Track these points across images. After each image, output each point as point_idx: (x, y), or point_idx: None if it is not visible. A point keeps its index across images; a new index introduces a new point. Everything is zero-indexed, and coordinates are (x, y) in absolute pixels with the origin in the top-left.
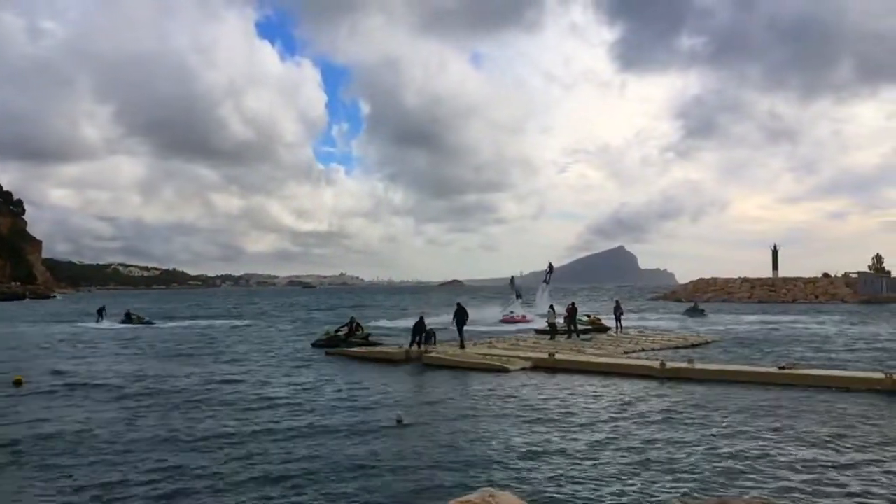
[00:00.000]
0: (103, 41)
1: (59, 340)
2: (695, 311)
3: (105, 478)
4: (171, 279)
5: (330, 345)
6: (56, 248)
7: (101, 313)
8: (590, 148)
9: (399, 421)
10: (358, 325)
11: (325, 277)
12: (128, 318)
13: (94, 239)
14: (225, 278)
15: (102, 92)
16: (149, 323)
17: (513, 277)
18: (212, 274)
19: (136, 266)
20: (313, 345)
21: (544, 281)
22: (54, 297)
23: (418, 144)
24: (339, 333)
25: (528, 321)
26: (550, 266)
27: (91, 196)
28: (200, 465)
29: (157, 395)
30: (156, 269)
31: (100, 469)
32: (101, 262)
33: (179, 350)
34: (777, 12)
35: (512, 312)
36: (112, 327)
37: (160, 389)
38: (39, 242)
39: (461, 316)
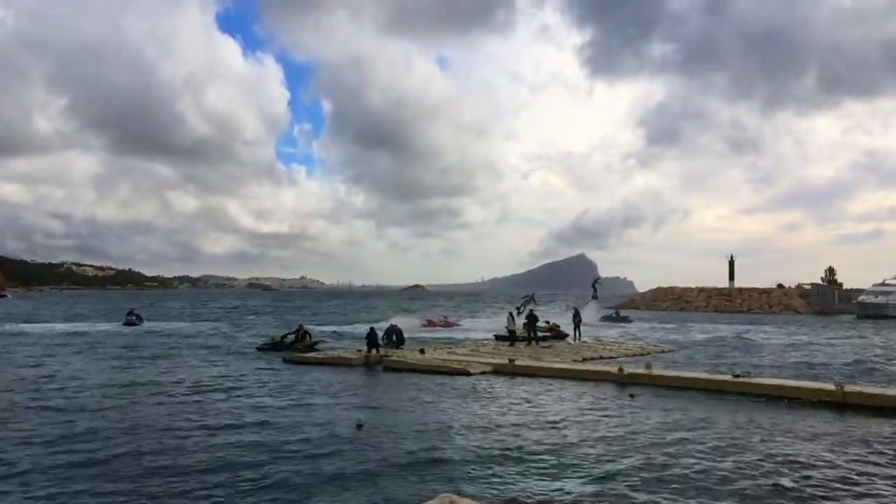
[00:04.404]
0: (57, 31)
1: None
2: (616, 318)
3: None
4: (126, 279)
5: (274, 349)
6: (7, 246)
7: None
8: (552, 154)
9: (359, 426)
10: (306, 332)
11: (285, 280)
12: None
13: (47, 237)
14: (182, 279)
15: (56, 84)
16: (139, 320)
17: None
18: (169, 275)
19: (90, 265)
20: (258, 349)
21: (593, 297)
22: (5, 296)
23: (382, 146)
24: (286, 339)
25: (453, 325)
26: (595, 281)
27: (43, 192)
28: (136, 464)
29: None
30: (111, 268)
31: None
32: (54, 261)
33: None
34: (746, 20)
35: (445, 316)
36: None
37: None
38: None
39: (399, 336)
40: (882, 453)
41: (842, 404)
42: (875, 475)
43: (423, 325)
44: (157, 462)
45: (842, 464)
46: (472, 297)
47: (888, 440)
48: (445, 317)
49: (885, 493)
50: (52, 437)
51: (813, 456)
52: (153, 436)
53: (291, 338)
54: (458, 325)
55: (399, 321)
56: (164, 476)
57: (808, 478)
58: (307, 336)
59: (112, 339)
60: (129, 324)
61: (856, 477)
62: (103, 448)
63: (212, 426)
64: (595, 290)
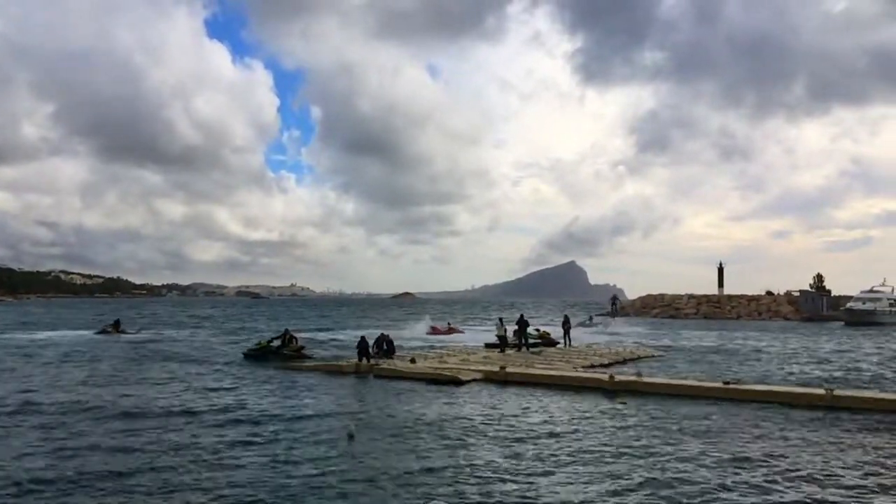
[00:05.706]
0: (44, 37)
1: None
2: (589, 324)
3: None
4: (114, 287)
5: (261, 355)
6: None
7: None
8: (543, 162)
9: (350, 436)
10: (292, 336)
11: (275, 288)
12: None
13: (33, 244)
14: (171, 287)
15: (42, 90)
16: (117, 329)
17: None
18: (157, 283)
19: (78, 273)
20: (245, 354)
21: (612, 314)
22: None
23: (372, 153)
24: (272, 344)
25: (457, 332)
26: (615, 298)
27: (30, 200)
28: (117, 482)
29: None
30: (99, 276)
31: None
32: (41, 269)
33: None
34: (737, 28)
35: (449, 323)
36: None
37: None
38: None
39: (390, 346)
40: (872, 456)
41: (832, 408)
42: (866, 477)
43: (428, 332)
44: (139, 481)
45: (834, 467)
46: (461, 305)
47: (878, 443)
48: (449, 323)
49: (875, 494)
50: (22, 461)
51: (805, 460)
52: (132, 452)
53: (277, 343)
54: (461, 333)
55: (407, 328)
56: (147, 495)
57: (801, 482)
58: (293, 340)
59: (92, 348)
60: (102, 332)
61: (847, 479)
62: (80, 467)
63: (197, 438)
64: (615, 307)
